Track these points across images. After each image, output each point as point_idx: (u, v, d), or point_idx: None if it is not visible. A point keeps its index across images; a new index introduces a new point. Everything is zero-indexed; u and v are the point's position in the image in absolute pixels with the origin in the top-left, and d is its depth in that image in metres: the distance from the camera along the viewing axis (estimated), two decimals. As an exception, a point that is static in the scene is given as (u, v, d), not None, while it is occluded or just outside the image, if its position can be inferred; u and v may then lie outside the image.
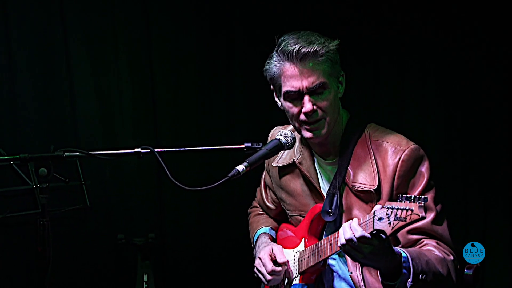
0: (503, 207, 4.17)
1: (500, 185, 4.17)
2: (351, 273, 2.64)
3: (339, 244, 2.35)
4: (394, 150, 2.60)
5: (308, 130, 2.62)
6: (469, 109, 4.17)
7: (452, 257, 2.54)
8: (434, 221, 2.55)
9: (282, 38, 2.60)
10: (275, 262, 2.79)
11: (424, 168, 2.60)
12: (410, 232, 2.55)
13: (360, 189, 2.61)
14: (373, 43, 4.25)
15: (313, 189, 2.77)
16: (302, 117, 2.59)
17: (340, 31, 2.75)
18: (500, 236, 4.19)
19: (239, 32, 4.31)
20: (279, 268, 2.76)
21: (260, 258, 2.83)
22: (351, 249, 2.31)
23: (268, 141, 2.74)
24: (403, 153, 2.58)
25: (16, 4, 3.82)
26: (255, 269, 2.86)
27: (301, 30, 2.61)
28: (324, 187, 2.75)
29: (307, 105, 2.56)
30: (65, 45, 3.96)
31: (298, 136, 2.81)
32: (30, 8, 3.87)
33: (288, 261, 2.79)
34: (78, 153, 2.52)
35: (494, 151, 4.15)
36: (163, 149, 2.54)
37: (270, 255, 2.81)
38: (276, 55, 2.60)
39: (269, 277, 2.76)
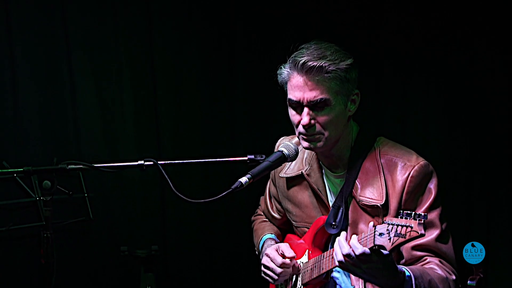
0: (507, 212, 4.15)
1: (503, 188, 4.15)
2: (354, 287, 2.63)
3: (336, 261, 2.34)
4: (403, 165, 2.58)
5: (305, 140, 2.63)
6: (472, 113, 4.16)
7: (454, 277, 2.52)
8: (438, 238, 2.54)
9: (301, 46, 2.61)
10: (283, 257, 2.77)
11: (433, 185, 2.58)
12: (415, 248, 2.54)
13: (367, 203, 2.60)
14: (375, 54, 4.26)
15: (321, 202, 2.76)
16: (300, 128, 2.60)
17: (342, 42, 2.75)
18: (504, 240, 4.16)
19: (242, 44, 4.31)
20: (289, 261, 2.74)
21: (267, 255, 2.82)
22: (350, 264, 2.31)
23: (275, 151, 2.74)
24: (412, 169, 2.56)
25: (19, 18, 3.83)
26: (262, 267, 2.85)
27: (324, 41, 2.60)
28: (332, 200, 2.74)
29: (304, 118, 2.56)
30: (67, 58, 3.96)
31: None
32: (33, 21, 3.87)
33: (297, 263, 2.77)
34: (81, 166, 2.53)
35: (498, 155, 4.13)
36: (166, 162, 2.55)
37: (277, 250, 2.81)
38: (289, 62, 2.60)
39: (279, 270, 2.75)
